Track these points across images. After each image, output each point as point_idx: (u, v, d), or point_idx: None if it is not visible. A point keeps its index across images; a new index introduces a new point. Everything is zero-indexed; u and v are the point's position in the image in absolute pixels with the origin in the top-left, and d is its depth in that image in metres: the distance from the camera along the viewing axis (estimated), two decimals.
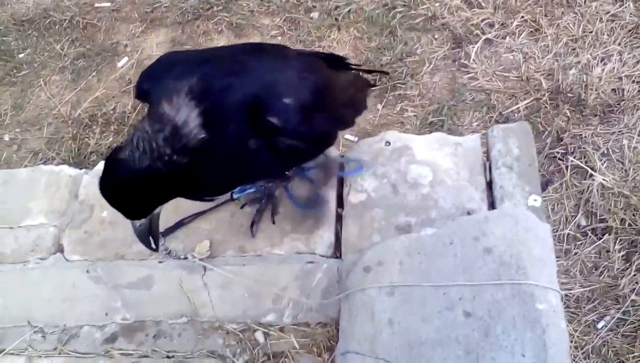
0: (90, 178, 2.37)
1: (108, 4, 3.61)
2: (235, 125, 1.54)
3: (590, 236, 2.49)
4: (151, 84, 1.68)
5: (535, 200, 1.97)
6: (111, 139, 3.10)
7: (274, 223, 2.13)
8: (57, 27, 3.56)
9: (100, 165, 2.40)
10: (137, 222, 1.65)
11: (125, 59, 3.38)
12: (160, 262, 2.14)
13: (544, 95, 2.82)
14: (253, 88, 1.56)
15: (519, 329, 1.67)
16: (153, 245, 1.77)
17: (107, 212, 2.27)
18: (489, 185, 2.06)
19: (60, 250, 2.26)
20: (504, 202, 1.99)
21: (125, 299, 2.14)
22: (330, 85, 1.82)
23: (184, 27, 3.41)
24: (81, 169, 2.50)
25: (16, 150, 3.19)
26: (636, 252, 2.40)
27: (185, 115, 1.48)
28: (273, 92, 1.58)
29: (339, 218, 2.12)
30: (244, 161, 1.62)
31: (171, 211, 2.13)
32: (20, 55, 3.51)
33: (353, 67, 2.18)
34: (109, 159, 1.52)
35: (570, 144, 2.68)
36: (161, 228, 2.14)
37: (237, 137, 1.56)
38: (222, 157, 1.56)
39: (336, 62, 2.07)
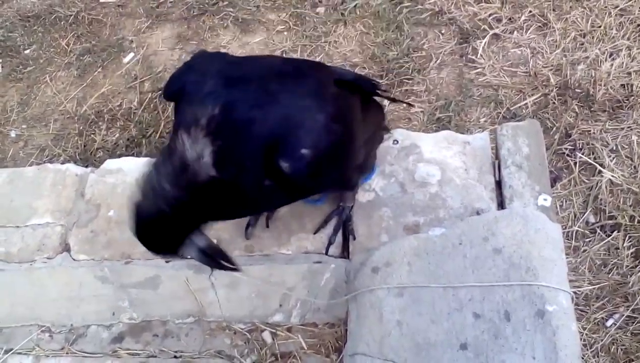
0: (97, 177, 2.36)
1: (113, 0, 3.59)
2: (250, 164, 1.50)
3: (599, 233, 2.47)
4: (181, 86, 1.61)
5: (545, 199, 1.95)
6: (117, 135, 3.09)
7: (267, 226, 2.13)
8: (62, 22, 3.54)
9: (107, 163, 2.40)
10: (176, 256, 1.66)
11: (131, 54, 3.36)
12: (167, 262, 2.14)
13: (552, 90, 2.80)
14: (275, 128, 1.49)
15: (529, 331, 1.65)
16: (227, 264, 1.71)
17: (113, 211, 2.26)
18: (498, 184, 2.04)
19: (67, 249, 2.26)
20: (513, 202, 1.97)
21: (132, 299, 2.13)
22: (353, 140, 1.71)
23: (190, 22, 3.39)
24: (87, 166, 2.49)
25: (22, 147, 3.19)
26: None
27: (198, 152, 1.45)
28: (293, 137, 1.50)
29: (348, 218, 2.10)
30: (253, 196, 1.58)
31: None
32: (26, 51, 3.49)
33: (381, 94, 2.03)
34: (131, 204, 1.54)
35: (579, 140, 2.66)
36: None
37: (250, 175, 1.51)
38: (231, 193, 1.52)
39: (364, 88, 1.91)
